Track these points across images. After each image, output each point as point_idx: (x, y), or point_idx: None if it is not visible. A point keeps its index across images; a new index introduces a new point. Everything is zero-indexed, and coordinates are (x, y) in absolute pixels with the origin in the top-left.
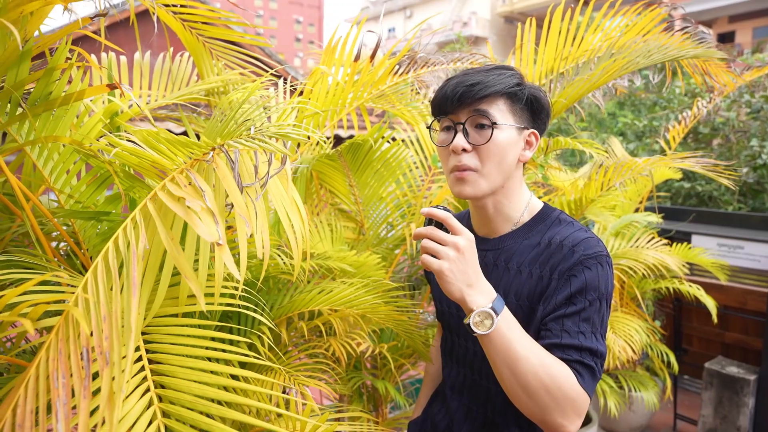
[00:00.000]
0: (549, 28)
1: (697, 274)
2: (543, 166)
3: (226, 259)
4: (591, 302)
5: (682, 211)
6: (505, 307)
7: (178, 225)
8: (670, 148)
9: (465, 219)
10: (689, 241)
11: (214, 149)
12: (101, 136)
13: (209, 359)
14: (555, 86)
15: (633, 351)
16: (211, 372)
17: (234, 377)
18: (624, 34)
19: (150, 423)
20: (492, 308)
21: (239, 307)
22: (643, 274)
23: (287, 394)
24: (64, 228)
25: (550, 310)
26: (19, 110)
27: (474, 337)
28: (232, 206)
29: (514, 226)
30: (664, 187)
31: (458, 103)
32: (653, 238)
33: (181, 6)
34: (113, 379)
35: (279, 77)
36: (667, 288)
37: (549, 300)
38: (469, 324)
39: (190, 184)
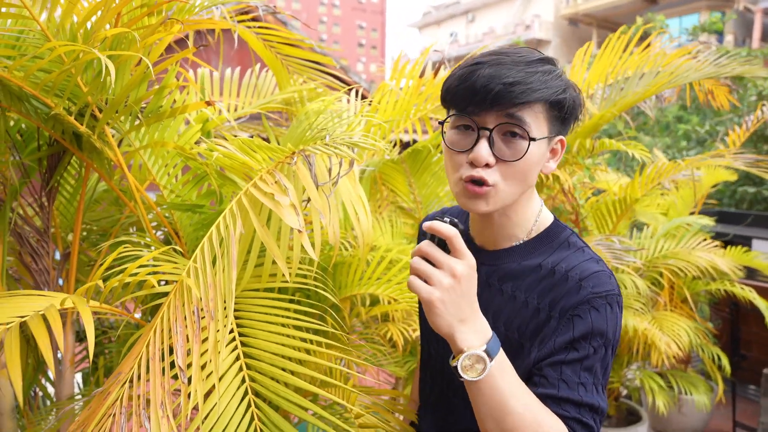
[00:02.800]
0: (606, 46)
1: (760, 279)
2: (589, 168)
3: (305, 243)
4: (596, 349)
5: (741, 215)
6: (501, 350)
7: (263, 215)
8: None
9: (462, 218)
10: (749, 246)
11: (294, 153)
12: (198, 142)
13: (284, 326)
14: (609, 95)
15: (679, 348)
16: (286, 336)
17: (304, 342)
18: (673, 54)
19: (240, 370)
20: (486, 351)
21: (313, 286)
22: (694, 276)
23: (347, 368)
24: (165, 218)
25: (547, 353)
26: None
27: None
28: (308, 201)
29: (518, 242)
30: (727, 192)
31: (490, 104)
32: (704, 240)
33: (260, 27)
34: (218, 331)
35: (350, 89)
36: (724, 291)
37: (546, 341)
38: (456, 367)
39: (276, 182)
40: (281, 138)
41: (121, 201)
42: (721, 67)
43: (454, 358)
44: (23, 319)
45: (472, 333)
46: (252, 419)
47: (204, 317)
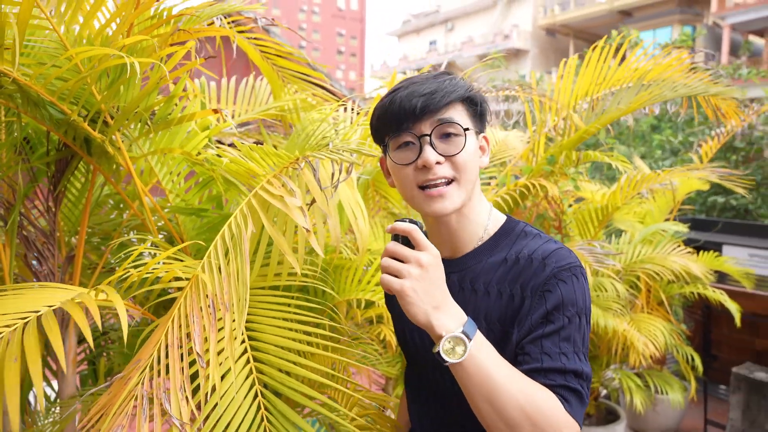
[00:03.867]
0: (588, 62)
1: (729, 283)
2: (575, 179)
3: (313, 242)
4: (570, 319)
5: (712, 222)
6: (478, 330)
7: (269, 217)
8: (702, 163)
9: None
10: (720, 251)
11: (297, 159)
12: (199, 149)
13: (287, 320)
14: (590, 112)
15: (655, 347)
16: (290, 330)
17: (308, 335)
18: (653, 70)
19: (247, 362)
20: (464, 332)
21: (314, 285)
22: (669, 280)
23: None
24: (170, 221)
25: (526, 331)
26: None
27: (444, 368)
28: (311, 204)
29: (479, 242)
30: (699, 200)
31: (420, 114)
32: (678, 246)
33: (257, 38)
34: (233, 321)
35: (338, 99)
36: (697, 294)
37: (524, 321)
38: (438, 352)
39: (283, 185)
40: (283, 145)
41: (122, 205)
42: (693, 89)
43: (434, 345)
44: (40, 313)
45: (447, 318)
46: (258, 408)
47: (219, 309)
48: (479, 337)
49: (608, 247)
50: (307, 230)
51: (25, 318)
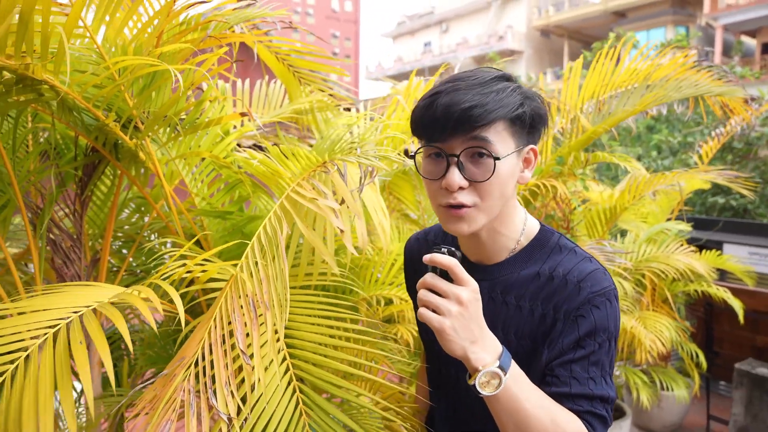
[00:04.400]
0: (596, 65)
1: (729, 280)
2: (583, 180)
3: (347, 241)
4: (600, 344)
5: (712, 221)
6: (513, 361)
7: (302, 218)
8: (703, 163)
9: (449, 238)
10: (721, 249)
11: (324, 163)
12: (227, 152)
13: (319, 317)
14: (596, 113)
15: (662, 344)
16: (325, 326)
17: (338, 330)
18: (657, 71)
19: (284, 359)
20: (500, 366)
21: (343, 283)
22: (674, 278)
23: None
24: (195, 224)
25: (557, 353)
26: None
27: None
28: (340, 205)
29: (511, 253)
30: (698, 201)
31: (452, 130)
32: (682, 245)
33: (276, 40)
34: (275, 319)
35: (350, 100)
36: (699, 292)
37: (555, 342)
38: (474, 386)
39: (313, 188)
40: (301, 148)
41: (143, 208)
42: (699, 88)
43: (470, 377)
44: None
45: (483, 352)
46: (297, 403)
47: (259, 308)
48: (514, 369)
49: (617, 246)
50: (341, 231)
51: (77, 312)
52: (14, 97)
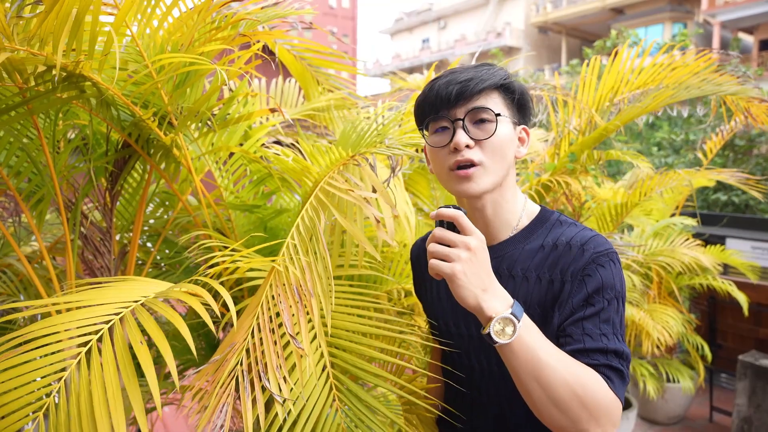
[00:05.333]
0: (612, 62)
1: (731, 274)
2: (596, 176)
3: (381, 231)
4: (609, 301)
5: (716, 216)
6: (524, 313)
7: (328, 211)
8: (706, 159)
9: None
10: (724, 244)
11: (353, 156)
12: (257, 147)
13: (352, 307)
14: (609, 111)
15: (670, 336)
16: (350, 314)
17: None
18: (673, 71)
19: (318, 346)
20: (512, 314)
21: (375, 274)
22: (679, 271)
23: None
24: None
25: (568, 314)
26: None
27: (480, 354)
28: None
29: (514, 231)
30: (700, 197)
31: (455, 101)
32: (688, 239)
33: (298, 41)
34: (321, 303)
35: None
36: (702, 286)
37: (564, 304)
38: (489, 334)
39: (346, 180)
40: (322, 144)
41: (168, 202)
42: (717, 86)
43: (484, 328)
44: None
45: (495, 300)
46: (331, 389)
47: (303, 296)
48: (526, 319)
49: (628, 239)
50: (378, 221)
51: (128, 307)
52: (59, 94)
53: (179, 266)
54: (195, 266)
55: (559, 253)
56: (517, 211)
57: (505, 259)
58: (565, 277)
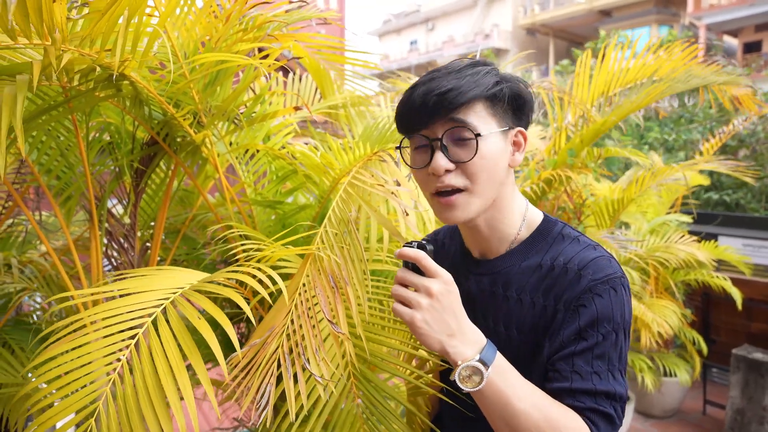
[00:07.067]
0: (603, 58)
1: (724, 270)
2: (596, 171)
3: (411, 224)
4: (605, 336)
5: (709, 215)
6: (498, 354)
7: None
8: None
9: (456, 236)
10: (716, 241)
11: (376, 152)
12: (283, 143)
13: (369, 299)
14: (605, 106)
15: (670, 327)
16: (370, 307)
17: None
18: (664, 65)
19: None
20: (480, 360)
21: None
22: (675, 267)
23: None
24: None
25: (557, 347)
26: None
27: None
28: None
29: (512, 245)
30: (692, 196)
31: (431, 116)
32: (683, 236)
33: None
34: (358, 290)
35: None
36: (697, 282)
37: (555, 335)
38: (455, 380)
39: (372, 176)
40: (360, 138)
41: (186, 199)
42: (705, 79)
43: (451, 372)
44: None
45: (462, 345)
46: (349, 377)
47: (339, 284)
48: (499, 362)
49: (628, 235)
50: (406, 213)
51: (175, 293)
52: (98, 93)
53: (197, 262)
54: (212, 263)
55: (556, 276)
56: (516, 223)
57: (500, 276)
58: (558, 305)
